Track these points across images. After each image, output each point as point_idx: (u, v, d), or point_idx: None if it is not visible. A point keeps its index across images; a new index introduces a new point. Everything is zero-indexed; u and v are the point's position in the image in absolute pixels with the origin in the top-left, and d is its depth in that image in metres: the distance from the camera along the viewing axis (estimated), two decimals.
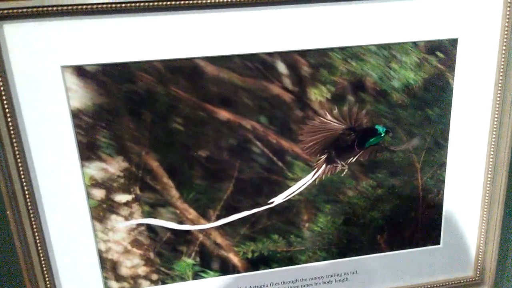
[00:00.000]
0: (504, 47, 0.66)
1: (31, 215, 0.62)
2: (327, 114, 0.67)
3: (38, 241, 0.63)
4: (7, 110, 0.57)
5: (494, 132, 0.71)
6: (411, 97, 0.69)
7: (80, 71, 0.58)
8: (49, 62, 0.57)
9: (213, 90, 0.63)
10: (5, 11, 0.53)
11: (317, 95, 0.66)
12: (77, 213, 0.64)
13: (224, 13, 0.59)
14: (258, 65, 0.63)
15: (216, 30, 0.59)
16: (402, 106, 0.69)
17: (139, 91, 0.61)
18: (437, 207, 0.76)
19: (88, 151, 0.62)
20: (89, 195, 0.64)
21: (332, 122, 0.68)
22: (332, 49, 0.64)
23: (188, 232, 0.69)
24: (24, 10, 0.54)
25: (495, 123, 0.71)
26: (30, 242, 0.63)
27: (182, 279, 0.71)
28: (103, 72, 0.59)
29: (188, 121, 0.64)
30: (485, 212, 0.76)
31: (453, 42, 0.67)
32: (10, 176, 0.59)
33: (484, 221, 0.76)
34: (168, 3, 0.56)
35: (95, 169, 0.63)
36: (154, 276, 0.70)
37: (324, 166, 0.70)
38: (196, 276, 0.71)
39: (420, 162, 0.73)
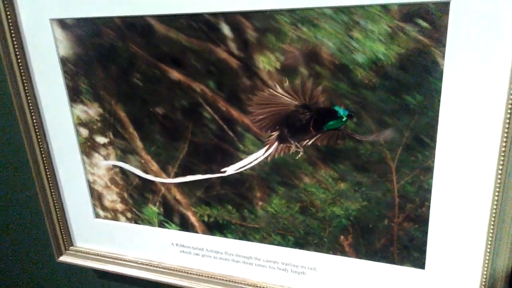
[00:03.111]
0: None
1: (40, 143, 0.77)
2: (277, 86, 0.59)
3: (45, 161, 0.79)
4: (20, 63, 0.72)
5: (507, 128, 0.50)
6: (381, 77, 0.54)
7: (63, 24, 0.68)
8: (42, 16, 0.68)
9: (164, 49, 0.63)
10: None
11: (265, 63, 0.59)
12: (71, 144, 0.76)
13: None
14: (202, 26, 0.60)
15: None
16: (369, 87, 0.55)
17: (105, 44, 0.67)
18: (421, 221, 0.59)
19: (74, 94, 0.73)
20: (77, 132, 0.75)
21: (283, 96, 0.59)
22: (279, 12, 0.55)
23: (152, 182, 0.73)
24: None
25: (509, 116, 0.50)
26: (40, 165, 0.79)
27: (150, 223, 0.77)
28: (78, 26, 0.67)
29: (145, 78, 0.66)
30: (491, 234, 0.55)
31: (443, 6, 0.49)
32: (23, 109, 0.75)
33: (489, 246, 0.56)
34: None
35: (80, 110, 0.73)
36: (129, 215, 0.78)
37: (276, 144, 0.63)
38: (161, 224, 0.76)
39: (395, 161, 0.57)
